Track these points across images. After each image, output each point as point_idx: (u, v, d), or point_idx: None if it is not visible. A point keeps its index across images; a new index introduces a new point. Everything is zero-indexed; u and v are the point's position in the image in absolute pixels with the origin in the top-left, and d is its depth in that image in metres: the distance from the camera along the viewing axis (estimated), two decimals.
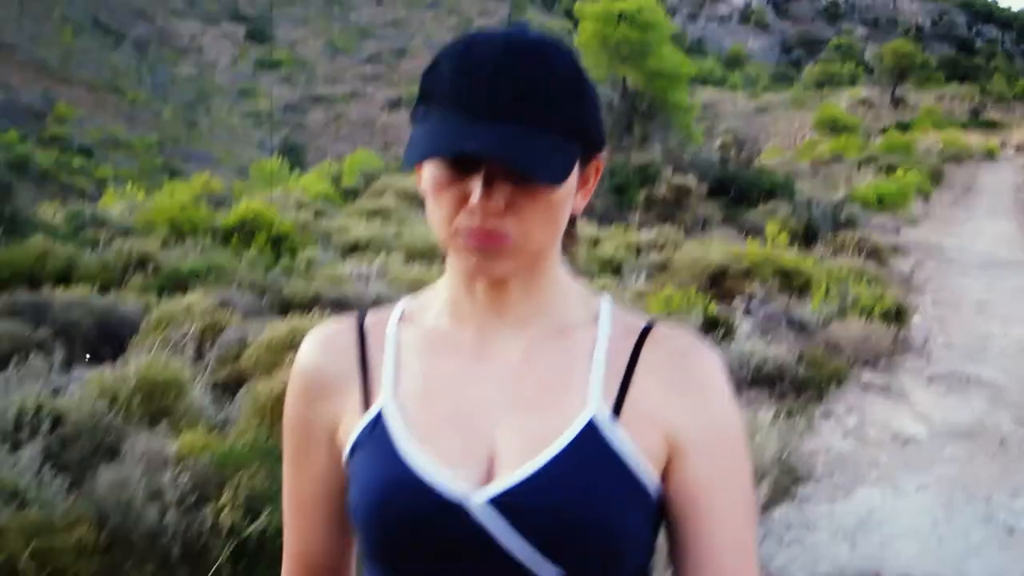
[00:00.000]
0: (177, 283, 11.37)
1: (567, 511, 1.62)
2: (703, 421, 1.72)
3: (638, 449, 1.68)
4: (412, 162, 1.57)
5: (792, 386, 10.25)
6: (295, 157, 55.03)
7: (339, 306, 10.02)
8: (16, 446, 6.23)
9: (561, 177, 1.59)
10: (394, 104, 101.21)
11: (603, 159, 1.79)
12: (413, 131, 1.65)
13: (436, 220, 1.67)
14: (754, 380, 10.39)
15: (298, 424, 1.87)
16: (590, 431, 1.67)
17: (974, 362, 12.46)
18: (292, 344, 8.20)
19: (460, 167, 1.59)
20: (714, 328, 11.29)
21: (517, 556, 1.62)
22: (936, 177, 34.80)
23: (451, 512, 1.63)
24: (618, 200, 22.44)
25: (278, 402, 6.87)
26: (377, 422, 1.73)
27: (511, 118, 1.57)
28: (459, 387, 1.74)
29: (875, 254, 18.52)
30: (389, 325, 1.84)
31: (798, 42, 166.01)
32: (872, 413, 10.18)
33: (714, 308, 11.96)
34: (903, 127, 55.71)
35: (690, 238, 17.30)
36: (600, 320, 1.79)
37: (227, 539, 5.26)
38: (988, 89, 78.52)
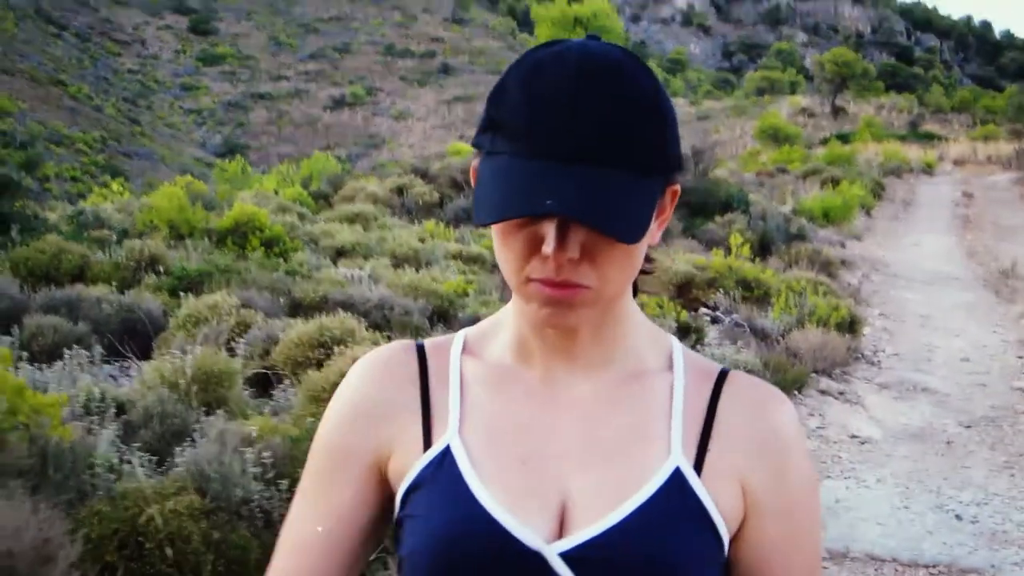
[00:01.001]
0: (189, 283, 12.09)
1: (646, 568, 1.55)
2: (784, 484, 1.68)
3: (720, 505, 1.63)
4: (486, 222, 1.48)
5: None
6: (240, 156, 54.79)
7: (348, 307, 10.61)
8: (90, 430, 7.01)
9: (644, 230, 1.50)
10: (337, 103, 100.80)
11: (679, 181, 1.67)
12: (483, 167, 1.56)
13: (505, 266, 1.58)
14: None
15: (335, 450, 1.77)
16: (675, 483, 1.61)
17: (920, 371, 13.45)
18: (321, 341, 9.03)
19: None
20: (686, 334, 12.14)
21: None
22: (877, 191, 35.31)
23: (528, 562, 1.56)
24: None
25: (333, 389, 7.73)
26: (443, 459, 1.66)
27: (588, 160, 1.47)
28: (530, 429, 1.67)
29: (826, 267, 19.20)
30: (452, 356, 1.78)
31: (740, 47, 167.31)
32: (831, 416, 11.14)
33: (685, 315, 12.85)
34: (843, 138, 55.77)
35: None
36: (675, 365, 1.74)
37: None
38: (926, 100, 79.65)
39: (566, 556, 1.54)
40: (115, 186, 21.95)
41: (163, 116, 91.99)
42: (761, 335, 13.28)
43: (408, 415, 1.71)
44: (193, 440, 6.80)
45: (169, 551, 5.45)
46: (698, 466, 1.63)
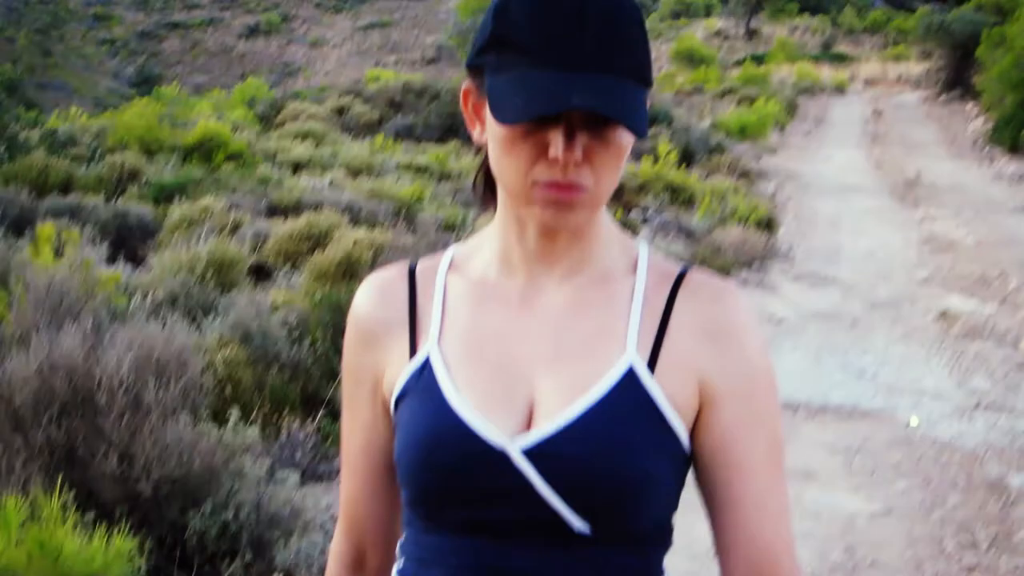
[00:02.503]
0: (169, 193, 13.22)
1: (599, 460, 1.63)
2: (736, 369, 1.73)
3: (673, 398, 1.69)
4: (516, 120, 1.56)
5: None
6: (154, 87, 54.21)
7: (321, 207, 11.83)
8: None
9: (647, 127, 1.58)
10: (252, 31, 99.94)
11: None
12: (493, 81, 1.63)
13: (510, 172, 1.66)
14: None
15: (349, 370, 1.90)
16: (628, 379, 1.68)
17: (830, 265, 14.90)
18: (310, 235, 10.28)
19: (538, 119, 1.58)
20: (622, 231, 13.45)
21: (554, 504, 1.63)
22: (791, 109, 35.99)
23: (493, 459, 1.65)
24: None
25: (337, 267, 9.05)
26: (423, 369, 1.76)
27: (598, 69, 1.56)
28: (504, 336, 1.76)
29: (744, 175, 20.46)
30: (439, 273, 1.86)
31: None
32: (751, 300, 12.56)
33: (621, 214, 14.17)
34: (758, 59, 55.81)
35: None
36: (638, 267, 1.79)
37: (320, 360, 7.51)
38: (839, 22, 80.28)
39: (527, 452, 1.65)
40: (73, 109, 22.90)
41: (76, 47, 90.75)
42: (687, 233, 14.60)
43: (398, 331, 1.82)
44: (217, 313, 8.06)
45: (228, 389, 6.74)
46: (652, 362, 1.70)
